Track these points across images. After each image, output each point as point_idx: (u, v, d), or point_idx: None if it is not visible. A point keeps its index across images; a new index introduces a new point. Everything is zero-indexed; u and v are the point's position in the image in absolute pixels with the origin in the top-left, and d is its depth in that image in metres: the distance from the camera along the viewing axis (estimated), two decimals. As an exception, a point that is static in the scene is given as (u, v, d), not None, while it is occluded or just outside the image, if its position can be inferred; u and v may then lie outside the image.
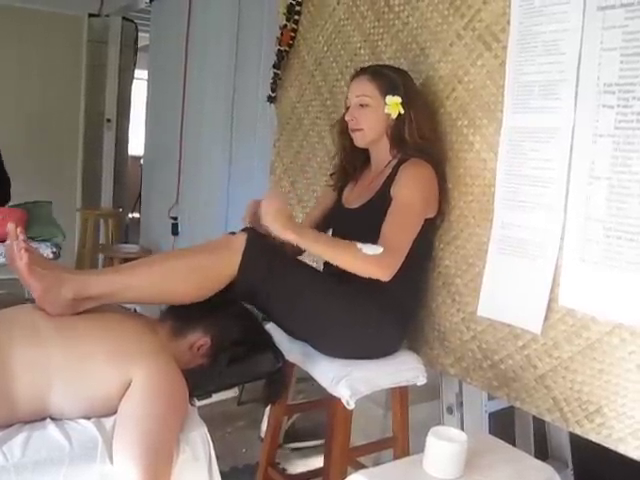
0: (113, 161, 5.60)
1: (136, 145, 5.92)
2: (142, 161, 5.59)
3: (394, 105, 1.88)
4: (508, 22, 1.74)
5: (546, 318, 1.67)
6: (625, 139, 1.47)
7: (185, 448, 1.41)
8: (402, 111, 1.88)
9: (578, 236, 1.58)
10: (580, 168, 1.58)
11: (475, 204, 1.87)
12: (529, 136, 1.70)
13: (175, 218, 4.49)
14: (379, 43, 2.21)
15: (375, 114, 1.91)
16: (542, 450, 2.35)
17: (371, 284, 1.75)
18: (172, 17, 4.68)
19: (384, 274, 1.73)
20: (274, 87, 2.70)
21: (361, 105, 1.92)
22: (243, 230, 1.80)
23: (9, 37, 4.99)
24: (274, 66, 2.65)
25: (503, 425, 2.27)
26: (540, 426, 2.35)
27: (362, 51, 2.29)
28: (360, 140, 1.97)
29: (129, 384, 1.41)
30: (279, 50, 2.62)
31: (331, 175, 2.16)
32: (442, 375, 2.16)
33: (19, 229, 1.52)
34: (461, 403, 2.15)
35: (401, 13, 2.11)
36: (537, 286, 1.68)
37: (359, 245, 1.71)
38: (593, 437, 1.61)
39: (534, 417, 2.17)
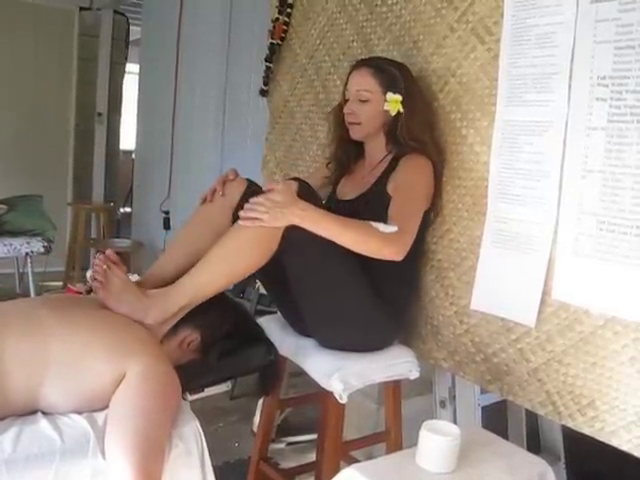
0: (104, 155, 5.57)
1: (127, 139, 5.90)
2: (134, 155, 5.57)
3: (394, 103, 1.86)
4: (501, 15, 1.74)
5: (539, 311, 1.67)
6: (618, 132, 1.47)
7: (178, 443, 1.40)
8: (401, 110, 1.87)
9: (571, 229, 1.58)
10: (573, 161, 1.58)
11: (468, 198, 1.87)
12: (522, 129, 1.70)
13: (167, 212, 4.49)
14: (372, 36, 2.20)
15: (374, 110, 1.90)
16: (534, 444, 2.35)
17: (371, 275, 1.75)
18: (164, 10, 4.66)
19: (398, 252, 1.70)
20: (266, 80, 2.69)
21: (361, 100, 1.90)
22: (292, 179, 1.79)
23: (0, 30, 4.95)
24: (266, 59, 2.64)
25: (496, 419, 2.27)
26: (532, 420, 2.36)
27: (355, 44, 2.28)
28: (357, 133, 1.96)
29: (122, 378, 1.40)
30: (271, 43, 2.61)
31: (327, 165, 2.13)
32: (435, 369, 2.16)
33: (114, 256, 1.65)
34: (454, 397, 2.16)
35: (394, 6, 2.10)
36: (530, 279, 1.68)
37: (373, 224, 1.69)
38: (586, 430, 1.61)
39: (527, 411, 2.17)
